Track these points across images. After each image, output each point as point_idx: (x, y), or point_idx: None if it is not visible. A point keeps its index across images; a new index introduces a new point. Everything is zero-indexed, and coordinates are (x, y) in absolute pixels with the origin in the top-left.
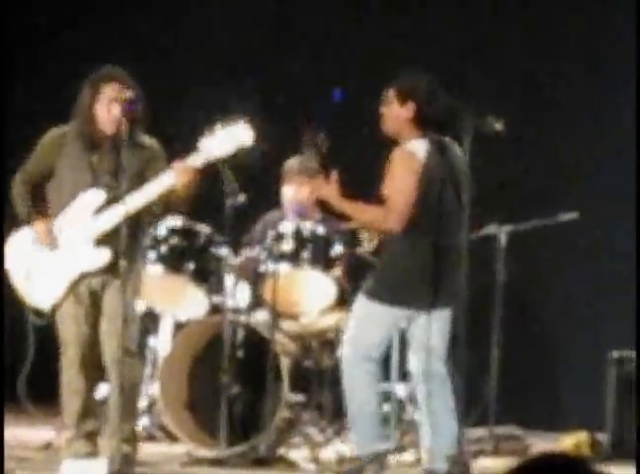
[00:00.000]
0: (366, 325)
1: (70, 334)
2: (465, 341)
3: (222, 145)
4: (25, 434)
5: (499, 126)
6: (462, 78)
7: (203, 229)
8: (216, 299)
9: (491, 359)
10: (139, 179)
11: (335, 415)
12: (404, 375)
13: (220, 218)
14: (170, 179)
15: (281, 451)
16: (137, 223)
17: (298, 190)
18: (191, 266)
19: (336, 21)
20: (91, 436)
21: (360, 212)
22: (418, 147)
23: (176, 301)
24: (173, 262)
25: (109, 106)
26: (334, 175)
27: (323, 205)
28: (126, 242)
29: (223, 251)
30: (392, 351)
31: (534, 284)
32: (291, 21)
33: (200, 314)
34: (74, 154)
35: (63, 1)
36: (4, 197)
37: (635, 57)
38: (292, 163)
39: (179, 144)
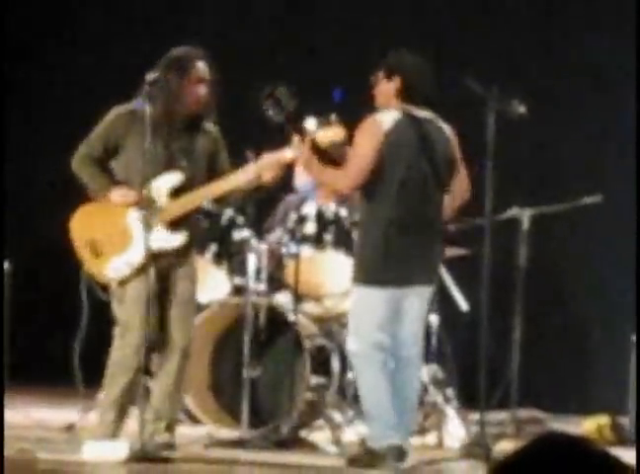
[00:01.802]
0: (359, 312)
1: (135, 317)
2: (487, 324)
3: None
4: (49, 414)
5: (522, 110)
6: (482, 61)
7: (226, 211)
8: (238, 281)
9: (513, 342)
10: (210, 164)
11: (356, 397)
12: (425, 358)
13: (242, 199)
14: (262, 170)
15: (303, 433)
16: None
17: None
18: (213, 247)
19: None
20: (122, 419)
21: (321, 172)
22: (386, 117)
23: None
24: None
25: (197, 86)
26: (307, 132)
27: None
28: (197, 228)
29: (245, 233)
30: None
31: (557, 268)
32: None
33: (221, 296)
34: (146, 134)
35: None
36: (4, 196)
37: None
38: None
39: None
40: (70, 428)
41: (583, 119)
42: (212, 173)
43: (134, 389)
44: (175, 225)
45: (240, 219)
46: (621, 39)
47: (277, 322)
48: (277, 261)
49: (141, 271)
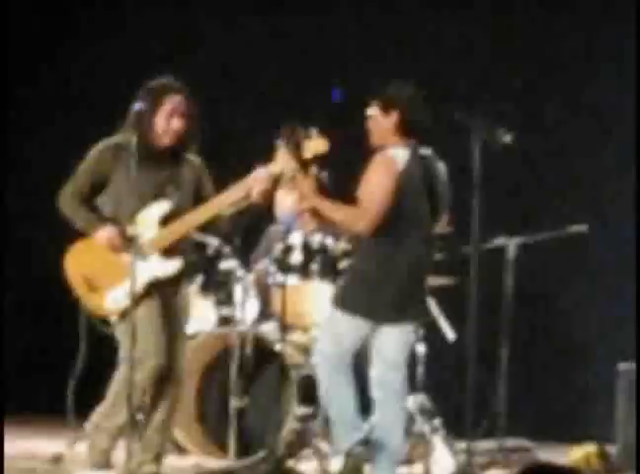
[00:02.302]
0: (328, 335)
1: (149, 344)
2: (474, 353)
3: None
4: (36, 445)
5: (508, 139)
6: (467, 89)
7: (212, 241)
8: (225, 311)
9: (500, 371)
10: (195, 193)
11: None
12: (412, 387)
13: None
14: (247, 186)
15: (290, 463)
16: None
17: (283, 198)
18: (199, 278)
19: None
20: (111, 449)
21: (334, 211)
22: (399, 154)
23: None
24: None
25: (169, 118)
26: (312, 172)
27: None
28: (189, 255)
29: (232, 263)
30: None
31: (544, 297)
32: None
33: (208, 326)
34: (132, 167)
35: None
36: (4, 201)
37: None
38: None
39: None
40: (58, 458)
41: (571, 146)
42: (199, 202)
43: (133, 422)
44: (168, 253)
45: (226, 250)
46: (617, 71)
47: (263, 352)
48: (263, 291)
49: (141, 300)
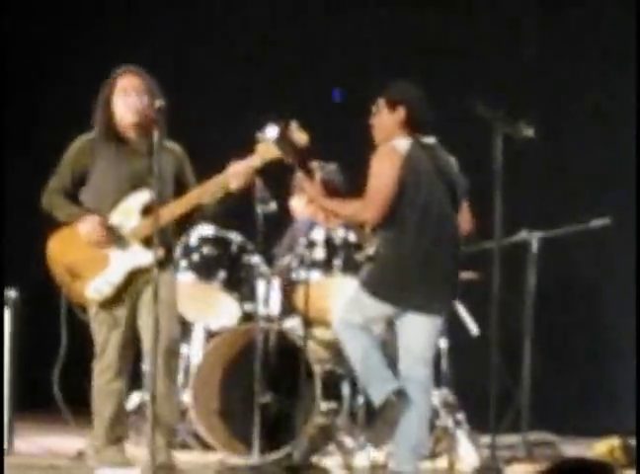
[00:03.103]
0: (353, 309)
1: (114, 336)
2: (497, 347)
3: (278, 146)
4: (59, 442)
5: (529, 133)
6: (484, 83)
7: (235, 237)
8: (248, 307)
9: (523, 365)
10: (176, 181)
11: (367, 421)
12: (436, 382)
13: (252, 226)
14: (226, 179)
15: (315, 459)
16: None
17: (297, 204)
18: (222, 274)
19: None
20: (120, 444)
21: (341, 208)
22: (401, 143)
23: (208, 310)
24: (204, 270)
25: (125, 96)
26: (315, 171)
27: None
28: (171, 241)
29: (255, 259)
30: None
31: (567, 291)
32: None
33: (231, 322)
34: (110, 158)
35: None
36: (4, 202)
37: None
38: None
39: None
40: (80, 455)
41: (592, 141)
42: (179, 189)
43: (121, 417)
44: (149, 242)
45: (250, 246)
46: (622, 72)
47: (287, 348)
48: (287, 286)
49: (120, 291)
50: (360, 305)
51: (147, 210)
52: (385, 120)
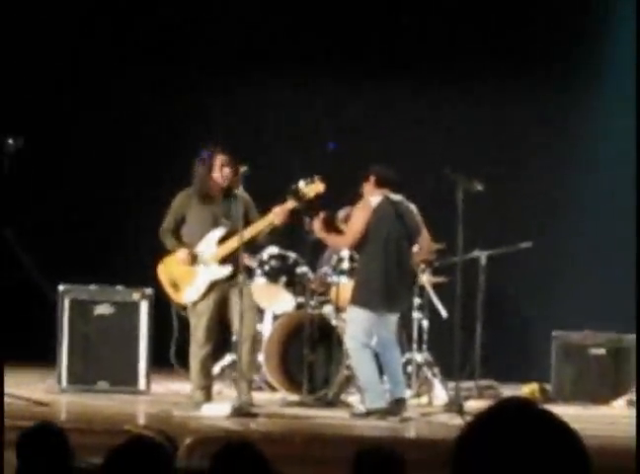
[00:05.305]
0: (352, 324)
1: (202, 323)
2: (459, 325)
3: (306, 194)
4: (176, 387)
5: (480, 187)
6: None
7: (291, 255)
8: (300, 300)
9: (476, 337)
10: (246, 219)
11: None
12: (420, 348)
13: (303, 247)
14: (273, 218)
15: (343, 397)
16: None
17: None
18: (283, 278)
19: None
20: (207, 389)
21: (331, 238)
22: (373, 199)
23: (274, 301)
24: (272, 276)
25: (221, 169)
26: (320, 216)
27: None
28: (241, 261)
29: (304, 269)
30: (412, 331)
31: (504, 290)
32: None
33: (289, 309)
34: (199, 207)
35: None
36: (3, 217)
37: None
38: (341, 214)
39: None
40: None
41: (532, 178)
42: (249, 224)
43: (208, 372)
44: (224, 262)
45: (301, 260)
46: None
47: (325, 325)
48: (324, 286)
49: (205, 295)
50: (353, 320)
51: (222, 240)
52: (366, 187)
